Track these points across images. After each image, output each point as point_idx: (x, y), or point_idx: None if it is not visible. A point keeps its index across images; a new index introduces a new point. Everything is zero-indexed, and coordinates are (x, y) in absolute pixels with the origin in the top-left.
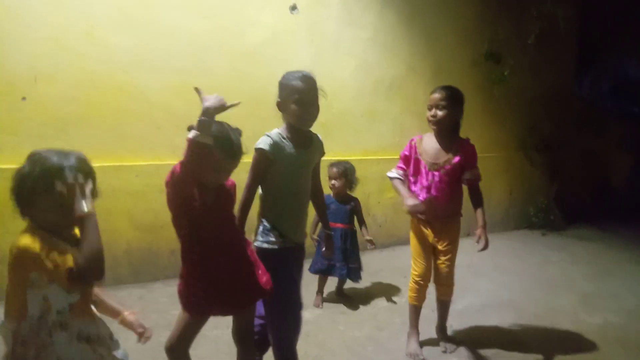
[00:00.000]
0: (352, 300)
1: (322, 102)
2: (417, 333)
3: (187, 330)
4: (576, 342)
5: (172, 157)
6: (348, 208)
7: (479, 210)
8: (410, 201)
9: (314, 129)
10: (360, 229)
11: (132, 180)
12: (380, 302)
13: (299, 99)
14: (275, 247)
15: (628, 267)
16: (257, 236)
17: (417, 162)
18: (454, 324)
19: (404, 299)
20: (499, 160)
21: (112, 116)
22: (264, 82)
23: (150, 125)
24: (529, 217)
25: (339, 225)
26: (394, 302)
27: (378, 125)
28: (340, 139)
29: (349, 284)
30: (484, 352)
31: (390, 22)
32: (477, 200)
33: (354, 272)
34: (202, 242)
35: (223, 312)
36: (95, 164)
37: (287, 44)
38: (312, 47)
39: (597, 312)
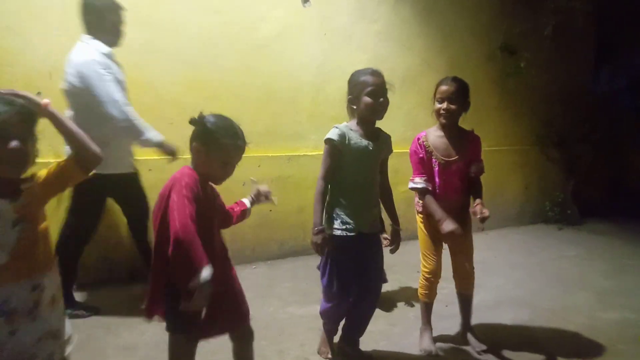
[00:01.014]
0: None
1: (332, 94)
2: (430, 329)
3: (180, 355)
4: (592, 339)
5: (184, 151)
6: None
7: (478, 188)
8: (449, 226)
9: (340, 123)
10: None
11: (146, 174)
12: (393, 298)
13: (371, 90)
14: (337, 233)
15: None
16: (324, 222)
17: (429, 160)
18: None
19: (417, 294)
20: (515, 155)
21: None
22: (275, 77)
23: (161, 120)
24: (545, 211)
25: None
26: (411, 305)
27: (390, 119)
28: None
29: None
30: (499, 347)
31: (404, 16)
32: (478, 191)
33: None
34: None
35: (215, 332)
36: None
37: (298, 39)
38: (323, 42)
39: (613, 309)
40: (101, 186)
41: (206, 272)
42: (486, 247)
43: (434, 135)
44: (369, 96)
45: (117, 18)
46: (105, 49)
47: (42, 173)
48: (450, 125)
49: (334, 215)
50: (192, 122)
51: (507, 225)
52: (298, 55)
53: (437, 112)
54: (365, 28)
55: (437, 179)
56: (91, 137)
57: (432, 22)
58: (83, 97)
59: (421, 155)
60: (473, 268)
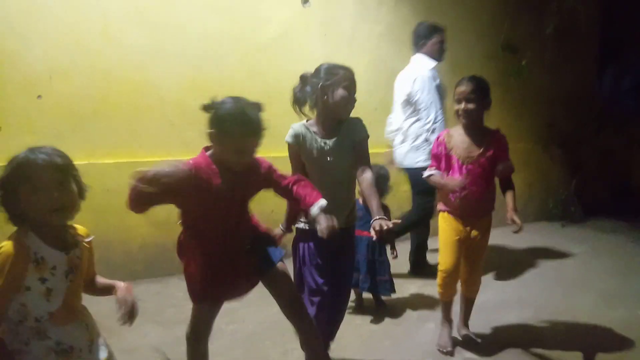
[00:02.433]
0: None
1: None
2: (450, 326)
3: (199, 320)
4: (597, 337)
5: (186, 153)
6: None
7: (509, 194)
8: (454, 182)
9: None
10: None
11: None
12: (396, 297)
13: (349, 85)
14: (307, 227)
15: None
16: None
17: (449, 157)
18: (471, 319)
19: (421, 293)
20: (518, 153)
21: (127, 113)
22: (277, 77)
23: (164, 121)
24: (548, 209)
25: (366, 234)
26: (426, 318)
27: None
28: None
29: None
30: (503, 347)
31: (406, 17)
32: (508, 186)
33: (383, 285)
34: (209, 224)
35: (229, 297)
36: (110, 160)
37: (300, 40)
38: (325, 42)
39: (619, 307)
40: None
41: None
42: (489, 246)
43: (456, 133)
44: (345, 89)
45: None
46: (432, 63)
47: (91, 247)
48: (471, 124)
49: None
50: (204, 108)
51: (509, 223)
52: (300, 57)
53: (456, 113)
54: (367, 30)
55: (458, 174)
56: None
57: (433, 21)
58: (411, 105)
59: (436, 152)
60: (478, 274)
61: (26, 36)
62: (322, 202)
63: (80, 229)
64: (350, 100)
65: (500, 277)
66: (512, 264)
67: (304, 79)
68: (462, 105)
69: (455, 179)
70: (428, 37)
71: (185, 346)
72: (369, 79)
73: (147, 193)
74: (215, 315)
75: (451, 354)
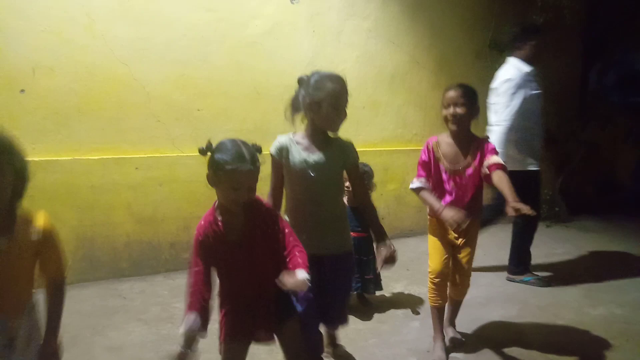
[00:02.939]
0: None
1: None
2: (443, 337)
3: None
4: (580, 334)
5: (171, 149)
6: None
7: (504, 181)
8: (448, 214)
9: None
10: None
11: (132, 172)
12: (382, 295)
13: (336, 103)
14: None
15: (633, 260)
16: None
17: (437, 166)
18: (457, 317)
19: (406, 292)
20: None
21: (112, 109)
22: (265, 74)
23: (149, 117)
24: (538, 212)
25: (353, 234)
26: (418, 312)
27: (380, 116)
28: (341, 130)
29: None
30: (488, 345)
31: (393, 13)
32: (506, 180)
33: (370, 284)
34: (232, 272)
35: (257, 338)
36: (95, 156)
37: (288, 35)
38: (313, 38)
39: (601, 305)
40: (535, 178)
41: (189, 321)
42: (477, 244)
43: (444, 142)
44: (332, 107)
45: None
46: (527, 67)
47: (45, 241)
48: (460, 131)
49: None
50: (199, 151)
51: (496, 222)
52: (288, 52)
53: (445, 119)
54: (355, 25)
55: (446, 186)
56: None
57: (420, 19)
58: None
59: (425, 159)
60: (469, 277)
61: (9, 30)
62: (304, 274)
63: (39, 219)
64: (339, 117)
65: (485, 275)
66: (497, 262)
67: (301, 82)
68: (451, 110)
69: (450, 212)
70: (524, 40)
71: (169, 345)
72: (357, 76)
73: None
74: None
75: None
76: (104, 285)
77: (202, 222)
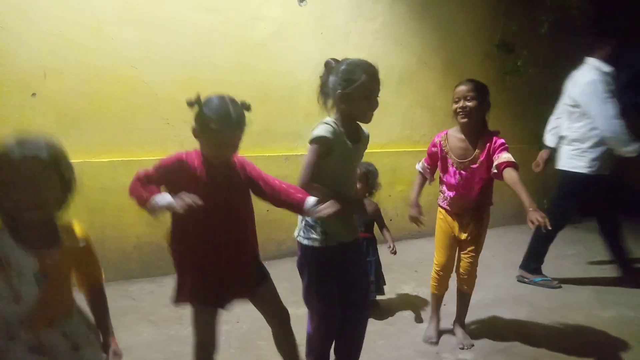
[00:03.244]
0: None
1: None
2: (438, 319)
3: (201, 328)
4: (590, 337)
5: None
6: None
7: (518, 186)
8: (411, 212)
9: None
10: (382, 232)
11: None
12: (390, 297)
13: (372, 94)
14: (316, 244)
15: None
16: (299, 231)
17: (445, 159)
18: (466, 318)
19: (414, 293)
20: (513, 154)
21: (121, 111)
22: (272, 75)
23: (158, 119)
24: (543, 210)
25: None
26: (420, 318)
27: (388, 117)
28: None
29: None
30: (497, 346)
31: (400, 14)
32: (520, 186)
33: (375, 286)
34: (202, 222)
35: (223, 300)
36: (105, 158)
37: (294, 37)
38: (320, 40)
39: (612, 307)
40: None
41: (157, 199)
42: (484, 246)
43: (453, 136)
44: (365, 99)
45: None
46: (607, 68)
47: (83, 251)
48: (468, 124)
49: (312, 223)
50: (188, 103)
51: (504, 224)
52: (295, 54)
53: (455, 112)
54: (362, 26)
55: (453, 179)
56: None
57: (428, 20)
58: (582, 111)
59: (433, 150)
60: (476, 268)
61: (19, 34)
62: (312, 199)
63: (76, 228)
64: (371, 108)
65: (494, 276)
66: (505, 264)
67: (328, 67)
68: (460, 103)
69: (412, 211)
70: (605, 40)
71: (178, 346)
72: None
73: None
74: (214, 325)
75: (436, 344)
76: (113, 286)
77: (185, 156)
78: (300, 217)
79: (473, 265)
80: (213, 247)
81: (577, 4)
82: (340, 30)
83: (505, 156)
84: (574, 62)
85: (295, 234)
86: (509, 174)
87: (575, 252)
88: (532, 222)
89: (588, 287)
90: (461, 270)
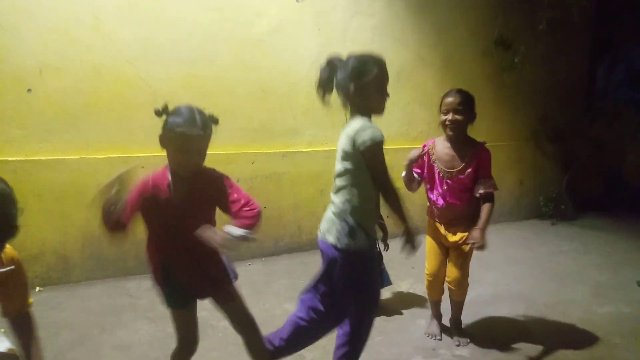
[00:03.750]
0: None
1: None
2: (439, 319)
3: (177, 326)
4: (588, 333)
5: None
6: None
7: (485, 208)
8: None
9: (336, 118)
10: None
11: (139, 172)
12: (387, 293)
13: (386, 86)
14: (365, 247)
15: None
16: (341, 237)
17: (431, 168)
18: (463, 315)
19: (412, 290)
20: (510, 150)
21: (118, 108)
22: (271, 72)
23: (156, 117)
24: (539, 206)
25: None
26: (417, 314)
27: (386, 114)
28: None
29: None
30: (494, 343)
31: (399, 11)
32: (487, 200)
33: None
34: (167, 231)
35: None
36: (102, 155)
37: (293, 34)
38: (318, 37)
39: (609, 303)
40: None
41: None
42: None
43: (441, 145)
44: (382, 92)
45: None
46: None
47: (12, 275)
48: (457, 136)
49: (354, 225)
50: (155, 112)
51: (502, 220)
52: (293, 51)
53: (443, 124)
54: (360, 23)
55: (439, 188)
56: None
57: (426, 16)
58: None
59: (419, 161)
60: (467, 279)
61: (15, 30)
62: (234, 230)
63: (7, 251)
64: (385, 99)
65: (491, 273)
66: (503, 260)
67: (331, 65)
68: (450, 117)
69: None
70: None
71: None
72: None
73: (114, 205)
74: (193, 320)
75: (440, 340)
76: (111, 283)
77: (150, 178)
78: (333, 220)
79: (463, 275)
80: (175, 253)
81: (575, 0)
82: (338, 26)
83: (485, 185)
84: (571, 59)
85: (333, 239)
86: (484, 207)
87: (572, 248)
88: (472, 240)
89: (585, 284)
90: (450, 281)
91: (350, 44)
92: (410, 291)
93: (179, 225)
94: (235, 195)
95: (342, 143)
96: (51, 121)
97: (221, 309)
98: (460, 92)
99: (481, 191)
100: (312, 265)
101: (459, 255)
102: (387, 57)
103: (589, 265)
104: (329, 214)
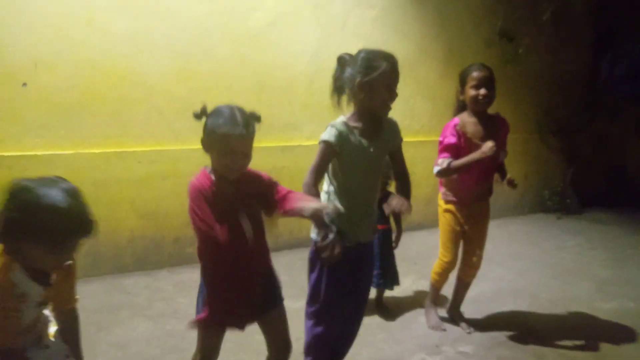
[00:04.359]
0: (391, 311)
1: (327, 84)
2: (436, 307)
3: (205, 347)
4: (591, 328)
5: (175, 143)
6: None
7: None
8: (488, 145)
9: (335, 112)
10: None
11: (135, 167)
12: (390, 291)
13: (390, 83)
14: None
15: None
16: (314, 228)
17: (468, 147)
18: (467, 311)
19: (415, 286)
20: (514, 144)
21: (114, 102)
22: (268, 66)
23: (151, 111)
24: (544, 201)
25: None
26: (420, 311)
27: None
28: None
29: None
30: (498, 338)
31: (400, 1)
32: (504, 172)
33: (391, 279)
34: (219, 240)
35: (240, 323)
36: (97, 150)
37: (291, 26)
38: (317, 29)
39: (613, 298)
40: None
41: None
42: (488, 237)
43: (469, 122)
44: (385, 88)
45: None
46: None
47: (68, 272)
48: (484, 111)
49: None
50: (194, 116)
51: (506, 215)
52: (291, 44)
53: (475, 99)
54: (361, 15)
55: (478, 166)
56: None
57: (428, 7)
58: None
59: (454, 141)
60: (481, 259)
61: (10, 24)
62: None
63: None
64: (391, 98)
65: (495, 268)
66: (507, 256)
67: (342, 62)
68: (482, 91)
69: (489, 143)
70: None
71: (174, 340)
72: None
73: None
74: (221, 340)
75: (445, 330)
76: (108, 280)
77: (195, 181)
78: None
79: (480, 257)
80: (229, 266)
81: None
82: (337, 18)
83: (506, 151)
84: (575, 52)
85: (312, 234)
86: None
87: (576, 243)
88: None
89: (589, 279)
90: (467, 261)
91: (350, 36)
92: (413, 288)
93: (232, 234)
94: (279, 186)
95: None
96: (46, 116)
97: (264, 324)
98: (485, 65)
99: (503, 157)
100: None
101: (479, 234)
102: (388, 49)
103: (593, 260)
104: None
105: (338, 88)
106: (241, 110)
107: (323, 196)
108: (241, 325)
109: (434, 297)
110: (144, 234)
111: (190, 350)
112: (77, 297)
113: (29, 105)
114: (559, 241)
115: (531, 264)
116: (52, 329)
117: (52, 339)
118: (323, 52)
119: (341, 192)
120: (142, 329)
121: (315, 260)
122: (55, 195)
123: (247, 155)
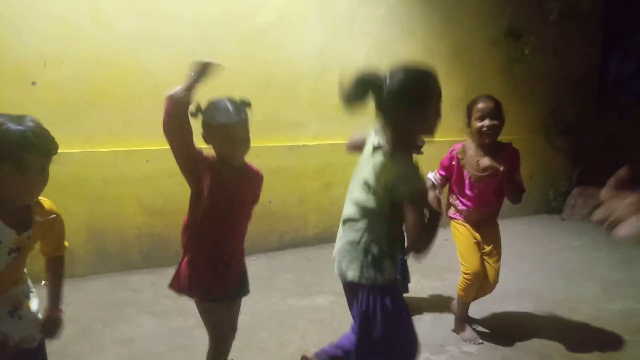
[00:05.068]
0: None
1: (333, 82)
2: (469, 320)
3: (221, 320)
4: (597, 330)
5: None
6: None
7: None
8: (485, 162)
9: (342, 111)
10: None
11: (142, 165)
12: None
13: (439, 104)
14: (393, 278)
15: None
16: (361, 270)
17: (461, 172)
18: (471, 311)
19: (419, 286)
20: (520, 143)
21: (121, 100)
22: (275, 64)
23: (159, 109)
24: (549, 201)
25: None
26: (423, 310)
27: None
28: (353, 120)
29: None
30: (502, 340)
31: (406, 1)
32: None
33: (403, 283)
34: (214, 220)
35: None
36: (105, 148)
37: (297, 24)
38: (323, 27)
39: (619, 300)
40: None
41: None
42: None
43: (470, 149)
44: (437, 110)
45: None
46: None
47: (53, 223)
48: (492, 142)
49: (378, 256)
50: (190, 114)
51: (510, 215)
52: (298, 42)
53: (479, 131)
54: (367, 13)
55: (468, 192)
56: None
57: (435, 6)
58: None
59: (446, 163)
60: (499, 273)
61: (18, 23)
62: None
63: (46, 203)
64: (439, 119)
65: (500, 269)
66: (512, 256)
67: (367, 82)
68: (487, 122)
69: (487, 161)
70: None
71: (180, 337)
72: (369, 65)
73: (183, 101)
74: (231, 313)
75: (482, 343)
76: (114, 277)
77: (206, 154)
78: (354, 254)
79: (497, 274)
80: (216, 243)
81: None
82: (344, 17)
83: (520, 185)
84: (582, 51)
85: (353, 276)
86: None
87: (581, 243)
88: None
89: (594, 280)
90: (490, 278)
91: (357, 35)
92: (418, 287)
93: (229, 214)
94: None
95: (366, 173)
96: (54, 114)
97: (230, 310)
98: (490, 97)
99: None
100: (317, 260)
101: (495, 254)
102: (394, 48)
103: (598, 261)
104: (344, 245)
105: (353, 103)
106: (231, 100)
107: (365, 235)
108: (222, 298)
109: (464, 312)
110: (150, 231)
111: (195, 348)
112: (66, 244)
113: (38, 103)
114: (564, 242)
115: (536, 264)
116: (34, 301)
117: (29, 310)
118: (329, 51)
119: (395, 221)
120: (147, 326)
121: (376, 312)
122: (18, 120)
123: (245, 139)
